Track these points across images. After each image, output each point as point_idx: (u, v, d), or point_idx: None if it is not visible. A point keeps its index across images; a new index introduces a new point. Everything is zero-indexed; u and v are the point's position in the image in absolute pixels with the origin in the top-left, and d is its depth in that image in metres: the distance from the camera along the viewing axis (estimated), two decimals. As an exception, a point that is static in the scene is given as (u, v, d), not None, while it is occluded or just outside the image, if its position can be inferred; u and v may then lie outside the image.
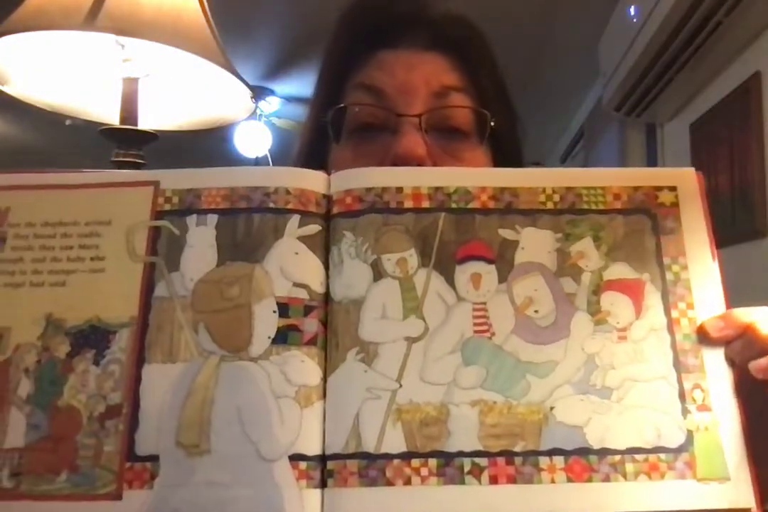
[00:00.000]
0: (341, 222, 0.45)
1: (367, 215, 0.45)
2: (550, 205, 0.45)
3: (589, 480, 0.40)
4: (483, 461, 0.40)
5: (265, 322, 0.42)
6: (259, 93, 2.96)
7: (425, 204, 0.45)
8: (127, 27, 0.98)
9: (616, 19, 2.12)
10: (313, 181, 0.46)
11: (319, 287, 0.43)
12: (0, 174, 0.47)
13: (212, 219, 0.44)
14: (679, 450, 0.41)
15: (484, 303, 0.43)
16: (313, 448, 0.40)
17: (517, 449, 0.40)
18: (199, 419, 0.40)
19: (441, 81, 0.59)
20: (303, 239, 0.44)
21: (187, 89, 1.20)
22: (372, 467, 0.39)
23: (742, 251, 1.68)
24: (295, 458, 0.39)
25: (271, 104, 3.22)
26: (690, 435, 0.41)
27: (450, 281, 0.44)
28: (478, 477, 0.40)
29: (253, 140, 3.30)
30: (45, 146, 3.70)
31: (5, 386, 0.41)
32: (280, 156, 3.32)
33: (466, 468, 0.40)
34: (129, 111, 1.08)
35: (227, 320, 0.42)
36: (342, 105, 0.60)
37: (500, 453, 0.40)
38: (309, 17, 2.29)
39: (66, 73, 1.13)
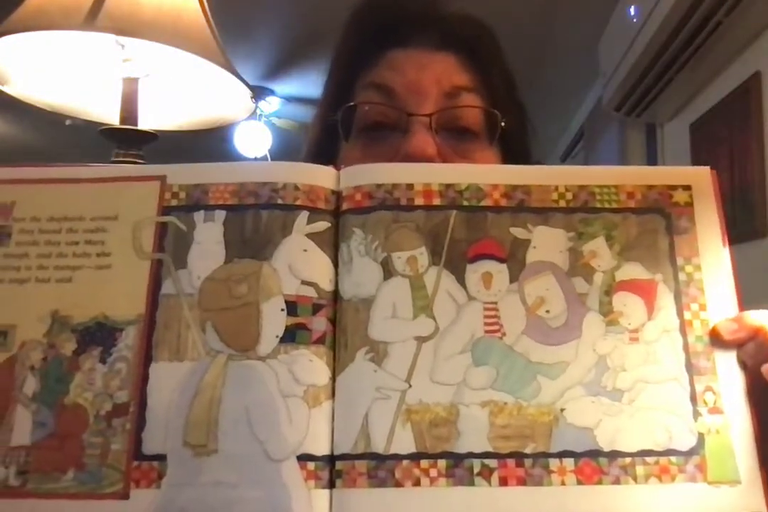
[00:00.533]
0: (351, 218, 0.44)
1: (376, 212, 0.44)
2: (562, 204, 0.45)
3: (599, 482, 0.39)
4: (493, 462, 0.39)
5: (273, 321, 0.41)
6: (259, 93, 2.95)
7: (436, 201, 0.44)
8: (127, 27, 0.98)
9: (616, 19, 2.12)
10: (322, 176, 0.45)
11: (327, 285, 0.43)
12: (4, 167, 0.47)
13: (220, 215, 0.44)
14: (690, 452, 0.40)
15: (495, 303, 0.43)
16: (321, 448, 0.39)
17: (527, 450, 0.40)
18: (207, 418, 0.39)
19: (452, 81, 0.59)
20: (312, 236, 0.43)
21: (187, 89, 1.19)
22: (381, 468, 0.39)
23: (742, 251, 1.68)
24: (303, 458, 0.39)
25: (271, 104, 3.22)
26: (701, 437, 0.41)
27: (461, 280, 0.43)
28: (487, 479, 0.39)
29: (253, 140, 3.29)
30: (45, 146, 3.70)
31: (11, 384, 0.41)
32: (279, 156, 3.30)
33: (476, 470, 0.39)
34: (129, 111, 1.08)
35: (235, 318, 0.41)
36: (352, 103, 0.60)
37: (510, 455, 0.40)
38: (309, 17, 2.30)
39: (66, 73, 1.12)
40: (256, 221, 0.43)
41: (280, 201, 0.43)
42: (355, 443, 0.40)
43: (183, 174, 0.45)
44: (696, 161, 2.03)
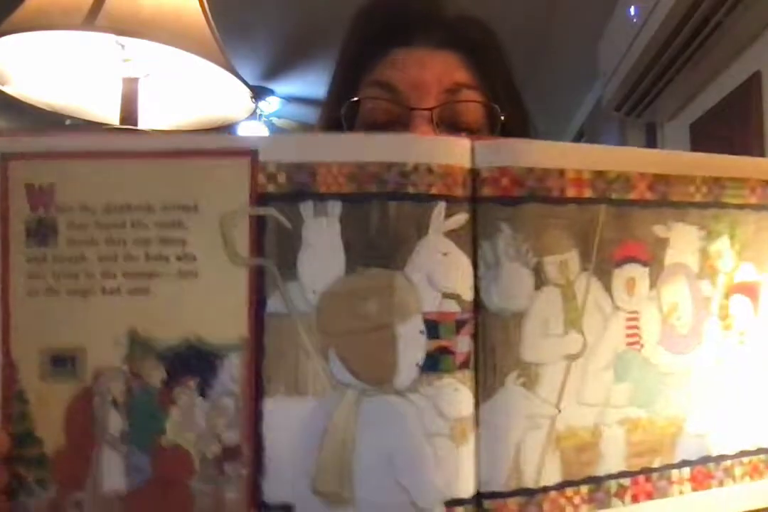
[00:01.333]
0: (495, 210, 0.35)
1: (528, 204, 0.35)
2: (698, 198, 0.40)
3: (709, 487, 0.39)
4: (626, 481, 0.37)
5: (412, 346, 0.33)
6: (259, 93, 2.95)
7: (587, 193, 0.37)
8: (127, 27, 0.98)
9: (616, 19, 2.12)
10: (457, 152, 0.35)
11: (468, 294, 0.34)
12: (37, 136, 0.34)
13: (335, 207, 0.33)
14: None
15: (636, 312, 0.38)
16: (468, 489, 0.34)
17: (655, 465, 0.38)
18: (339, 463, 0.33)
19: (453, 78, 0.59)
20: (449, 234, 0.34)
21: (187, 89, 1.19)
22: (531, 503, 0.35)
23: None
24: (451, 504, 0.33)
25: (271, 104, 3.21)
26: None
27: (607, 287, 0.37)
28: (622, 498, 0.37)
29: (253, 140, 3.29)
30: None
31: (89, 421, 0.33)
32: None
33: (612, 490, 0.37)
34: (129, 111, 1.07)
35: (365, 345, 0.33)
36: (356, 99, 0.60)
37: (641, 471, 0.38)
38: (309, 17, 2.30)
39: (66, 73, 1.12)
40: (383, 216, 0.34)
41: (411, 189, 0.34)
42: (506, 480, 0.34)
43: (280, 149, 0.34)
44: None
